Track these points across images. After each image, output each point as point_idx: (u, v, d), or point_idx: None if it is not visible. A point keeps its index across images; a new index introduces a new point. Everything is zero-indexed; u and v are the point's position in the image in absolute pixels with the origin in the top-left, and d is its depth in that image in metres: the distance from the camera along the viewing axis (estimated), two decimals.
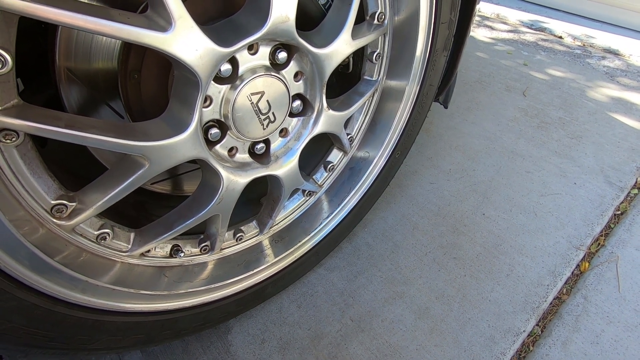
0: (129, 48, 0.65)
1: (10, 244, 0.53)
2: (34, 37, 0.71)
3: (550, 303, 1.12)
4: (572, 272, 1.20)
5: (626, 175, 1.53)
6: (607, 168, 1.56)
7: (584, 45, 2.58)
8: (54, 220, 0.60)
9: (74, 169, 0.76)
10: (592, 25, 2.82)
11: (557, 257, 1.24)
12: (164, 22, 0.52)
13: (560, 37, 2.68)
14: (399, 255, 1.23)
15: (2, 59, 0.46)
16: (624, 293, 1.14)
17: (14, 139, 0.51)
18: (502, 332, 1.05)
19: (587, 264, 1.22)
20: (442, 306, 1.10)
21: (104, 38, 0.66)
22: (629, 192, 1.46)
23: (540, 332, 1.06)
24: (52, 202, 0.59)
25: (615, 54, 2.49)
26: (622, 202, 1.42)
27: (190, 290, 0.82)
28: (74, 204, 0.61)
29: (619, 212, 1.39)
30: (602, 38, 2.63)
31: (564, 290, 1.16)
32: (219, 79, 0.64)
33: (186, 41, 0.54)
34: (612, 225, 1.35)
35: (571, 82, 2.14)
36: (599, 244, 1.29)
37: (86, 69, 0.67)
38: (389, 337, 1.04)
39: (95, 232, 0.68)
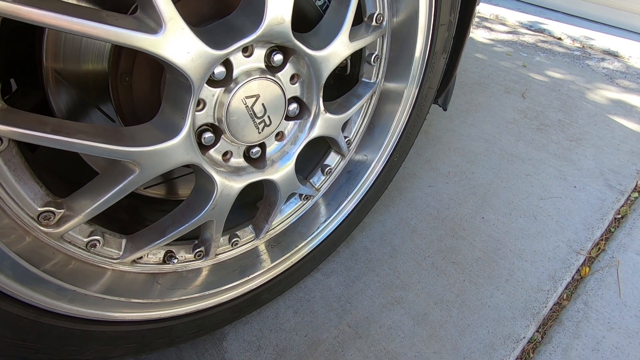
0: (120, 50, 0.64)
1: None
2: (22, 37, 0.69)
3: (551, 309, 1.11)
4: (573, 277, 1.19)
5: (626, 179, 1.52)
6: (607, 171, 1.55)
7: (583, 46, 2.57)
8: (41, 227, 0.58)
9: (63, 174, 0.74)
10: (591, 27, 2.82)
11: (557, 261, 1.22)
12: (154, 24, 0.50)
13: (560, 39, 2.67)
14: (398, 260, 1.21)
15: None
16: (624, 298, 1.13)
17: None
18: (502, 338, 1.03)
19: (587, 269, 1.21)
20: (440, 312, 1.09)
21: None
22: (629, 196, 1.45)
23: (540, 339, 1.05)
24: (39, 209, 0.57)
25: (615, 55, 2.48)
26: (622, 206, 1.41)
27: (184, 297, 0.80)
28: (62, 210, 0.59)
29: (620, 216, 1.38)
30: (602, 40, 2.63)
31: (564, 295, 1.15)
32: (213, 82, 0.63)
33: (177, 44, 0.52)
34: (612, 229, 1.33)
35: (570, 84, 2.13)
36: (600, 248, 1.27)
37: (75, 70, 0.65)
38: (387, 343, 1.02)
39: (85, 239, 0.66)
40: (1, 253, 0.51)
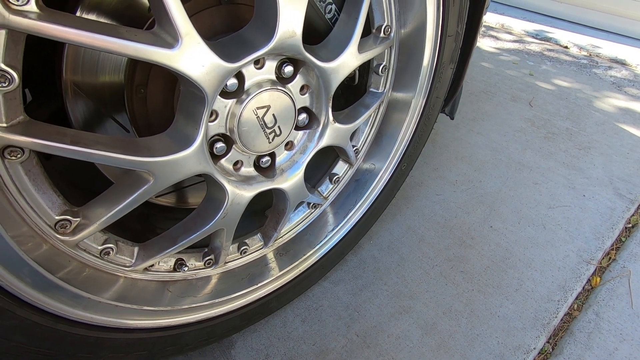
0: (136, 63, 0.66)
1: (11, 260, 0.52)
2: (42, 51, 0.71)
3: (561, 319, 1.10)
4: (583, 287, 1.17)
5: (636, 187, 1.50)
6: (616, 180, 1.54)
7: (590, 55, 2.57)
8: (58, 235, 0.59)
9: (78, 183, 0.76)
10: (598, 35, 2.82)
11: (567, 271, 1.21)
12: (170, 39, 0.52)
13: (566, 47, 2.67)
14: (405, 269, 1.21)
15: (9, 77, 0.46)
16: (637, 309, 1.11)
17: (19, 156, 0.51)
18: (512, 349, 1.02)
19: (598, 279, 1.19)
20: (449, 322, 1.08)
21: None
22: None
23: (551, 350, 1.03)
24: (56, 217, 0.58)
25: (622, 64, 2.47)
26: (632, 215, 1.39)
27: (194, 305, 0.81)
28: (78, 219, 0.61)
29: (630, 225, 1.36)
30: (609, 48, 2.63)
31: (575, 305, 1.13)
32: (225, 94, 0.64)
33: (193, 57, 0.54)
34: (623, 239, 1.32)
35: (578, 92, 2.12)
36: (610, 258, 1.26)
37: (93, 83, 0.67)
38: (395, 353, 1.01)
39: (99, 247, 0.67)
40: (20, 260, 0.52)
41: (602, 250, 1.27)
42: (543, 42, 2.75)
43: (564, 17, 3.07)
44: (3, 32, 0.43)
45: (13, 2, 0.42)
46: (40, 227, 0.57)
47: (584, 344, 1.04)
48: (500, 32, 2.88)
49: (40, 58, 0.71)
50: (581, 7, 2.95)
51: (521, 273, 1.20)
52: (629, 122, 1.89)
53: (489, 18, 3.07)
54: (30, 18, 0.43)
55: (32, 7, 0.44)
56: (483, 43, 2.67)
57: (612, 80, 2.27)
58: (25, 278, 0.53)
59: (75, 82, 0.64)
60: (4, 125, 0.48)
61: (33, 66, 0.70)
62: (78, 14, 0.60)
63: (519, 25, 2.96)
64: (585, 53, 2.59)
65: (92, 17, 0.61)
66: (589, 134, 1.79)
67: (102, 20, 0.62)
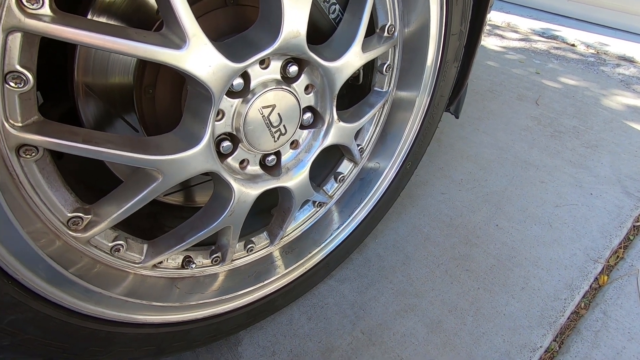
0: (144, 64, 0.67)
1: (27, 255, 0.54)
2: (54, 53, 0.73)
3: (568, 318, 1.09)
4: (590, 286, 1.17)
5: None
6: (624, 178, 1.53)
7: (597, 52, 2.55)
8: (70, 232, 0.61)
9: (89, 181, 0.78)
10: (605, 33, 2.79)
11: (574, 269, 1.20)
12: (178, 40, 0.53)
13: (573, 45, 2.65)
14: (411, 267, 1.22)
15: (24, 78, 0.48)
16: None
17: (33, 154, 0.53)
18: (518, 347, 1.02)
19: (605, 278, 1.18)
20: (455, 320, 1.08)
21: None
22: None
23: (557, 348, 1.03)
24: (69, 214, 0.60)
25: (631, 61, 2.45)
26: None
27: (202, 301, 0.83)
28: (89, 216, 0.62)
29: (639, 224, 1.35)
30: (617, 45, 2.60)
31: (582, 304, 1.13)
32: (231, 93, 0.65)
33: (200, 58, 0.55)
34: (631, 237, 1.31)
35: (585, 90, 2.11)
36: (618, 256, 1.25)
37: (103, 84, 0.68)
38: (400, 351, 1.02)
39: (110, 244, 0.69)
40: (36, 255, 0.54)
41: (609, 248, 1.26)
42: (550, 40, 2.73)
43: (570, 15, 3.05)
44: (18, 34, 0.45)
45: (28, 5, 0.44)
46: (54, 224, 0.59)
47: (591, 343, 1.03)
48: (506, 31, 2.86)
49: (52, 60, 0.73)
50: (588, 4, 2.92)
51: (527, 271, 1.20)
52: (637, 120, 1.87)
53: (495, 17, 3.05)
54: (44, 21, 0.45)
55: (46, 10, 0.45)
56: (489, 42, 2.66)
57: (620, 78, 2.25)
58: (40, 272, 0.55)
59: (87, 83, 0.66)
60: (20, 124, 0.50)
61: (46, 67, 0.72)
62: (89, 16, 0.62)
63: (525, 24, 2.94)
64: (593, 51, 2.57)
65: (102, 19, 0.63)
66: (596, 132, 1.78)
67: (112, 22, 0.64)
